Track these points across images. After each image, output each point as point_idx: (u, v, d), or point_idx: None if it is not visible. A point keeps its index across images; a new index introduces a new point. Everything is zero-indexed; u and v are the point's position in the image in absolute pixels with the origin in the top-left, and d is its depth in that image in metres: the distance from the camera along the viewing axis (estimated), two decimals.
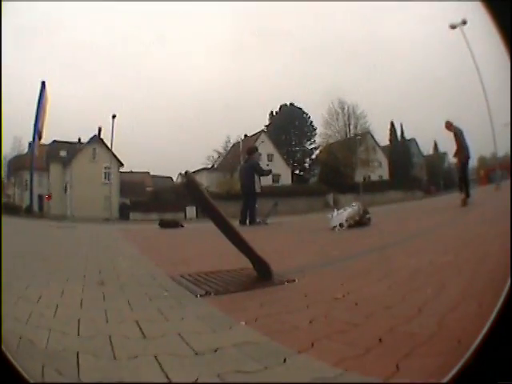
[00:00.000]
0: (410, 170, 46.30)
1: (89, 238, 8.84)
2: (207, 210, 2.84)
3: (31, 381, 1.09)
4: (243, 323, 1.84)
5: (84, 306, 2.28)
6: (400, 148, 47.22)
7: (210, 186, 33.54)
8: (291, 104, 49.85)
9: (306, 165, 49.19)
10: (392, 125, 49.02)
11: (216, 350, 1.52)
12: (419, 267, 2.97)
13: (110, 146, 38.41)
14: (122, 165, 39.16)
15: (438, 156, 49.06)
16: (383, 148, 45.41)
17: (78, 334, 1.74)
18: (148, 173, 44.43)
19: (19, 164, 45.38)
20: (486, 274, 2.39)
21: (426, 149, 50.03)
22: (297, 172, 47.84)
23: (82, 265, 3.97)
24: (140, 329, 1.82)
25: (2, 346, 1.15)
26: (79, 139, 45.52)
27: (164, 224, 11.83)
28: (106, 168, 37.68)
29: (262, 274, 2.79)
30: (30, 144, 47.91)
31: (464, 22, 15.93)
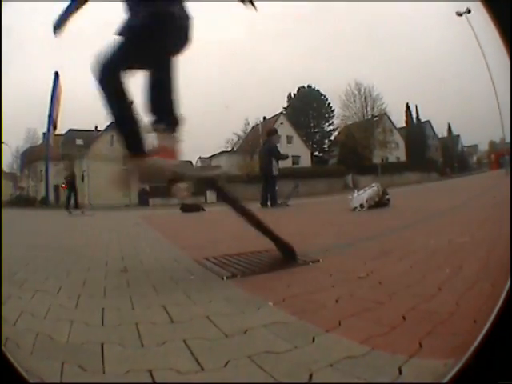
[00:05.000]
0: (426, 152, 45.74)
1: (109, 225, 8.83)
2: (220, 193, 2.82)
3: (31, 381, 1.08)
4: (271, 304, 1.82)
5: (107, 294, 2.25)
6: (416, 130, 46.66)
7: (229, 169, 33.47)
8: (309, 86, 49.49)
9: (325, 146, 48.86)
10: (407, 107, 48.43)
11: (245, 332, 1.52)
12: (437, 247, 2.97)
13: None
14: None
15: (452, 138, 48.48)
16: (399, 130, 44.87)
17: (103, 324, 1.71)
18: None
19: (33, 155, 45.82)
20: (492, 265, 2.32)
21: (441, 131, 49.51)
22: (316, 154, 47.51)
23: (103, 253, 3.94)
24: (167, 314, 1.81)
25: (2, 346, 1.14)
26: (96, 127, 45.59)
27: (185, 208, 11.73)
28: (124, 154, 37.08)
29: (287, 255, 2.78)
30: (44, 134, 48.57)
31: (469, 11, 15.60)
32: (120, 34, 2.60)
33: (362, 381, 1.09)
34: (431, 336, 1.33)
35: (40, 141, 46.16)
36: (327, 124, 47.93)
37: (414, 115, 48.26)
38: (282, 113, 45.19)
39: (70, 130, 44.33)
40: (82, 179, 41.10)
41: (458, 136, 49.14)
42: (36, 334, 1.57)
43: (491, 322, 0.90)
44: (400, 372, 1.11)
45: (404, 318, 1.53)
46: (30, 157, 45.72)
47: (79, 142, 44.94)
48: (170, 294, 2.20)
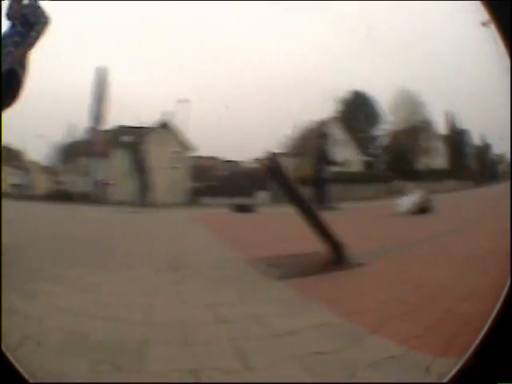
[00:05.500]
0: (464, 160, 44.14)
1: (159, 223, 8.61)
2: (291, 193, 2.86)
3: (31, 381, 1.08)
4: (319, 305, 1.89)
5: (156, 291, 2.24)
6: (456, 138, 45.16)
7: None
8: (358, 91, 48.61)
9: (373, 151, 47.74)
10: (448, 115, 46.84)
11: (293, 332, 1.55)
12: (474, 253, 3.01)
13: (178, 131, 38.61)
14: (190, 149, 39.12)
15: (485, 147, 46.66)
16: (440, 137, 43.50)
17: (148, 322, 1.70)
18: (217, 157, 44.00)
19: (75, 150, 47.00)
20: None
21: (476, 140, 47.87)
22: (365, 158, 46.49)
23: (153, 250, 3.88)
24: (216, 313, 1.81)
25: (2, 346, 1.14)
26: (145, 124, 46.51)
27: (237, 208, 11.73)
28: (174, 152, 36.95)
29: (336, 257, 2.82)
30: (87, 129, 48.88)
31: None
32: None
33: (399, 380, 1.14)
34: (458, 336, 1.38)
35: (83, 136, 46.78)
36: (376, 129, 47.03)
37: (454, 123, 46.87)
38: (333, 116, 44.51)
39: (118, 127, 44.21)
40: (132, 176, 41.68)
41: (490, 145, 47.35)
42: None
43: (491, 322, 0.93)
44: (428, 371, 1.13)
45: (438, 320, 1.61)
46: (72, 151, 45.72)
47: (128, 138, 44.75)
48: (220, 293, 2.22)
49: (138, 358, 1.34)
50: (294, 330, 1.60)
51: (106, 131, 40.80)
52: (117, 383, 1.18)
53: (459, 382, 0.89)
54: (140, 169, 14.00)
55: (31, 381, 1.08)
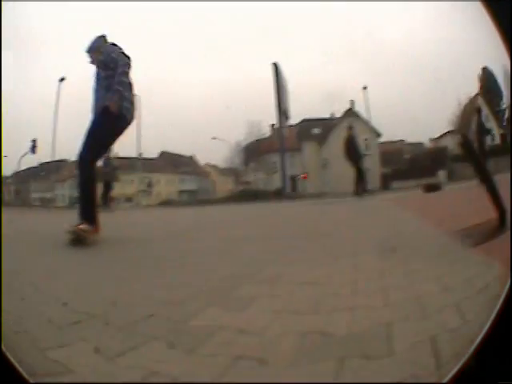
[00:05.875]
0: None
1: (359, 209, 8.49)
2: (478, 166, 3.03)
3: (31, 381, 1.05)
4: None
5: (384, 274, 2.14)
6: None
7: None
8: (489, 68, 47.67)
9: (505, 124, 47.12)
10: None
11: None
12: None
13: (365, 118, 37.26)
14: (379, 135, 38.42)
15: None
16: None
17: (386, 304, 1.61)
18: (403, 140, 43.71)
19: (261, 148, 45.50)
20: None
21: None
22: (502, 131, 45.91)
23: (364, 236, 3.78)
24: (443, 284, 1.78)
25: (2, 346, 1.11)
26: (332, 115, 44.64)
27: (427, 188, 12.18)
28: (364, 140, 34.43)
29: (501, 222, 2.89)
30: (272, 126, 45.73)
31: None
32: None
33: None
34: None
35: (267, 133, 46.28)
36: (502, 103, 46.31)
37: None
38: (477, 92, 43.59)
39: (304, 120, 43.75)
40: (324, 167, 40.80)
41: None
42: None
43: (491, 322, 0.92)
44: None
45: None
46: (258, 149, 45.66)
47: (316, 131, 44.38)
48: (441, 264, 2.18)
49: (386, 342, 1.24)
50: None
51: (292, 126, 40.08)
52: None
53: (459, 381, 0.87)
54: (356, 156, 14.02)
55: (31, 381, 1.05)
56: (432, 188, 12.04)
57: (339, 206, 10.42)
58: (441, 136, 41.43)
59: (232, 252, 3.25)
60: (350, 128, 14.66)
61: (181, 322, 1.49)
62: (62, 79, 36.67)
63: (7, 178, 71.42)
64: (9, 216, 9.11)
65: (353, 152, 13.78)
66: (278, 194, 31.02)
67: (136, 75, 4.81)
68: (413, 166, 33.80)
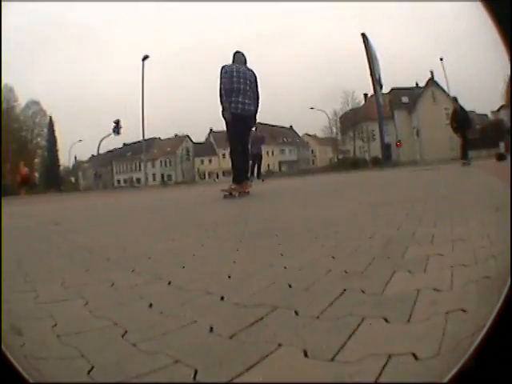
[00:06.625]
0: None
1: (460, 175, 9.46)
2: None
3: (31, 380, 1.04)
4: None
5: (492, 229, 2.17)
6: None
7: None
8: None
9: None
10: None
11: None
12: None
13: (445, 88, 38.82)
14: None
15: None
16: None
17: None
18: (474, 111, 43.21)
19: (357, 117, 47.44)
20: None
21: None
22: None
23: (473, 197, 4.22)
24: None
25: (2, 346, 1.09)
26: (416, 84, 46.84)
27: (499, 157, 15.24)
28: (445, 109, 36.63)
29: None
30: (365, 96, 49.64)
31: None
32: None
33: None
34: None
35: (361, 102, 48.56)
36: None
37: None
38: None
39: (393, 89, 44.88)
40: (417, 135, 42.46)
41: None
42: None
43: (491, 322, 0.90)
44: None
45: None
46: (354, 119, 47.13)
47: (404, 99, 45.72)
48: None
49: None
50: None
51: (384, 94, 40.06)
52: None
53: (459, 382, 0.85)
54: (465, 127, 14.92)
55: (31, 381, 1.03)
56: (502, 157, 14.67)
57: (442, 171, 11.55)
58: (498, 109, 42.00)
59: (380, 215, 3.37)
60: (456, 100, 15.27)
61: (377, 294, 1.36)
62: (145, 57, 37.48)
63: (82, 162, 71.68)
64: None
65: (461, 123, 14.63)
66: (377, 162, 30.93)
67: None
68: (482, 136, 35.03)
